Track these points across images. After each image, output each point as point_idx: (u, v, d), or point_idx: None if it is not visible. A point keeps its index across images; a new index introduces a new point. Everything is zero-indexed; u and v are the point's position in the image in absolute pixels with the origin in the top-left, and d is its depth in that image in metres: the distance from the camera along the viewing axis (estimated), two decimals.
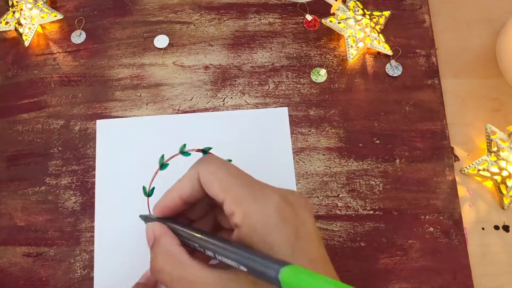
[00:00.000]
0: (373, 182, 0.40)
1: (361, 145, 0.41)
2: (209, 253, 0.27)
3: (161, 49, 0.44)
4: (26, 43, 0.43)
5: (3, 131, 0.42)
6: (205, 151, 0.40)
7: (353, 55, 0.42)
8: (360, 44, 0.42)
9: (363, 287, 0.37)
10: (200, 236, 0.27)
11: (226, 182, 0.27)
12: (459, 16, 0.46)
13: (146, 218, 0.32)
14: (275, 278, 0.21)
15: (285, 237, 0.25)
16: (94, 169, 0.40)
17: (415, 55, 0.44)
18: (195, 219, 0.32)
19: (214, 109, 0.42)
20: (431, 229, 0.39)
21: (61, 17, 0.44)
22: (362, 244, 0.38)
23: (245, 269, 0.24)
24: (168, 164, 0.40)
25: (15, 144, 0.41)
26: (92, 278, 0.37)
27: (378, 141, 0.41)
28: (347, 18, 0.43)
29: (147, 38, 0.44)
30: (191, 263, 0.26)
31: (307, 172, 0.40)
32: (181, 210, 0.30)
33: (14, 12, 0.43)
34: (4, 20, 0.43)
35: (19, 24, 0.43)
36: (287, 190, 0.28)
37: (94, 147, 0.41)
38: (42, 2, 0.44)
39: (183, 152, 0.40)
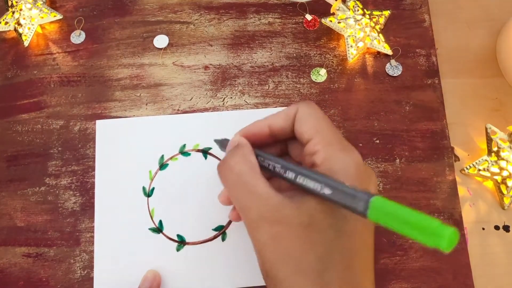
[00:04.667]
0: None
1: (361, 145, 0.41)
2: (290, 174, 0.27)
3: (161, 49, 0.44)
4: (26, 43, 0.43)
5: (2, 131, 0.41)
6: (205, 152, 0.40)
7: (353, 54, 0.42)
8: (360, 44, 0.42)
9: None
10: (283, 159, 0.28)
11: (321, 124, 0.29)
12: (459, 16, 0.46)
13: (221, 142, 0.34)
14: (363, 205, 0.22)
15: None
16: (93, 170, 0.40)
17: (415, 54, 0.44)
18: None
19: (214, 109, 0.42)
20: None
21: (61, 17, 0.44)
22: None
23: (329, 192, 0.25)
24: (168, 164, 0.40)
25: (15, 144, 0.41)
26: (92, 278, 0.37)
27: (378, 141, 0.41)
28: (347, 18, 0.43)
29: (146, 38, 0.44)
30: (261, 177, 0.27)
31: None
32: (261, 140, 0.31)
33: (13, 12, 0.43)
34: (3, 20, 0.43)
35: (19, 24, 0.43)
36: None
37: (94, 147, 0.40)
38: (42, 2, 0.44)
39: (183, 152, 0.40)
